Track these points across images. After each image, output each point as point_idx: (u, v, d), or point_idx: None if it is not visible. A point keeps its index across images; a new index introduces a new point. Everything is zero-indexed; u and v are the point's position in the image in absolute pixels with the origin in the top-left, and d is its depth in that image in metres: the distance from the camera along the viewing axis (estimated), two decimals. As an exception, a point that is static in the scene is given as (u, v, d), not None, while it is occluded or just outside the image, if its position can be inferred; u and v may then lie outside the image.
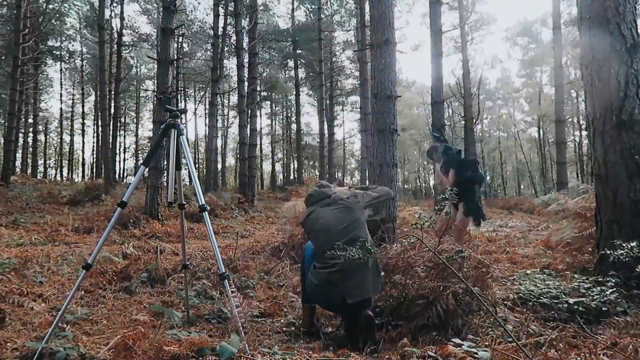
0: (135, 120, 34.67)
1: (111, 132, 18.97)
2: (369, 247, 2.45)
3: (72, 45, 27.86)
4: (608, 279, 3.17)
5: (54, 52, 25.96)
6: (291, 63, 29.18)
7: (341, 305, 2.67)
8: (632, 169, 3.41)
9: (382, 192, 3.31)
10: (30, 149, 25.13)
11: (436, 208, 2.91)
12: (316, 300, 2.81)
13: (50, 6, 20.00)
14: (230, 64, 25.50)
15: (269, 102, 34.98)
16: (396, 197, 5.58)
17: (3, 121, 26.26)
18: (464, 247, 3.21)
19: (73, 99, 33.17)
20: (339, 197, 2.99)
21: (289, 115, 35.99)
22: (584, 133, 23.37)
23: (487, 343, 2.30)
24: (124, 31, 21.52)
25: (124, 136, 34.01)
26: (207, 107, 24.20)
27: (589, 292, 3.01)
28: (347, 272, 2.59)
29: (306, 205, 3.15)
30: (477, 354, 2.00)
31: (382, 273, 2.87)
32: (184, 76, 28.21)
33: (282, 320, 3.04)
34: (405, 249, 3.04)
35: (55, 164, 35.35)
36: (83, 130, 31.96)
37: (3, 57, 19.50)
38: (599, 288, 3.04)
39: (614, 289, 3.00)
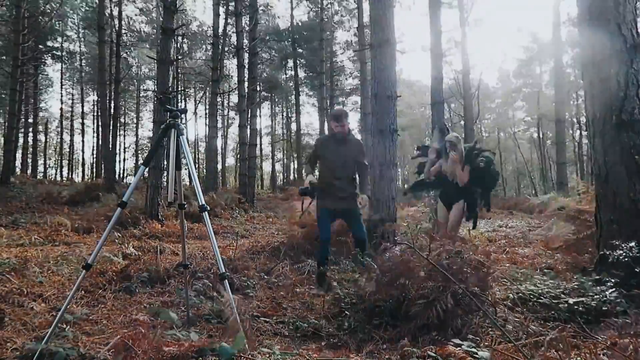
0: (135, 120, 34.66)
1: (111, 132, 18.94)
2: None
3: (72, 46, 27.88)
4: (608, 279, 3.17)
5: (54, 52, 25.96)
6: (291, 63, 29.19)
7: (336, 210, 4.01)
8: (632, 169, 3.41)
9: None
10: (30, 149, 25.13)
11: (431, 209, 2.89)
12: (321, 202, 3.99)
13: (50, 6, 20.00)
14: (231, 64, 25.53)
15: (269, 102, 34.98)
16: (396, 197, 5.58)
17: (3, 121, 26.26)
18: (463, 248, 3.20)
19: (73, 99, 33.16)
20: (349, 140, 4.03)
21: (289, 115, 35.99)
22: (584, 133, 23.38)
23: (487, 343, 2.30)
24: (123, 31, 21.52)
25: (124, 136, 34.02)
26: (207, 107, 24.22)
27: (589, 292, 3.01)
28: (338, 194, 3.95)
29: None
30: (477, 354, 2.00)
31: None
32: (184, 76, 28.20)
33: (282, 320, 3.04)
34: (402, 254, 3.04)
35: (55, 164, 35.35)
36: (83, 130, 31.93)
37: (3, 57, 19.50)
38: (599, 288, 3.04)
39: (614, 289, 2.99)
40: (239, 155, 16.02)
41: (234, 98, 26.48)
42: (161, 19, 9.46)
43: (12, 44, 15.44)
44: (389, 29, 5.12)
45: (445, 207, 4.96)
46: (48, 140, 33.77)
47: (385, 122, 4.88)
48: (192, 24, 26.01)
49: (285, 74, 32.58)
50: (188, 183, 15.91)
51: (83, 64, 29.62)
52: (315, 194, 4.07)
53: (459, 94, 17.43)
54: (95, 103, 29.56)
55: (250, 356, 1.96)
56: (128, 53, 26.67)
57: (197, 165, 28.90)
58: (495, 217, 11.86)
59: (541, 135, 29.60)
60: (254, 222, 10.19)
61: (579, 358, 1.97)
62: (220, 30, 17.73)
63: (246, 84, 14.50)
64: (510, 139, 33.64)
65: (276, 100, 35.21)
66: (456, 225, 4.86)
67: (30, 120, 25.35)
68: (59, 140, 33.12)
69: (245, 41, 14.95)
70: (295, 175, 29.52)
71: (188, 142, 2.77)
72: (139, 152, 32.15)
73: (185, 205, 2.81)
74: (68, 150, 33.32)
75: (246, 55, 15.02)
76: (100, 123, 19.15)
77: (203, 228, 7.36)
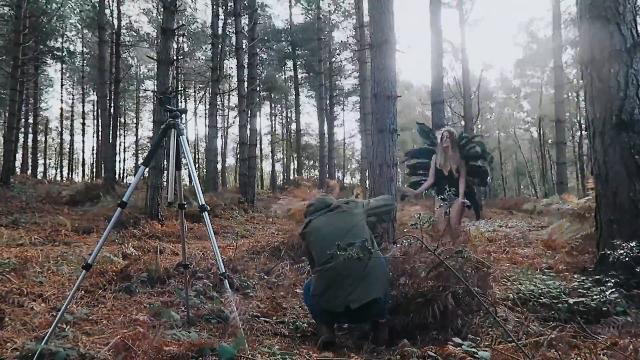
0: (135, 120, 34.69)
1: (111, 132, 18.95)
2: (366, 245, 2.39)
3: (72, 46, 27.91)
4: (608, 279, 3.17)
5: (54, 52, 25.97)
6: (290, 63, 29.20)
7: (347, 315, 2.52)
8: (632, 169, 3.41)
9: (385, 200, 3.23)
10: (30, 149, 25.14)
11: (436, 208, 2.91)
12: (321, 317, 2.63)
13: (50, 6, 20.02)
14: (230, 64, 25.55)
15: (268, 102, 35.01)
16: (396, 196, 5.58)
17: (3, 121, 26.27)
18: (463, 247, 3.20)
19: (73, 99, 33.21)
20: (337, 204, 2.89)
21: (289, 115, 36.02)
22: (584, 133, 23.37)
23: (487, 343, 2.30)
24: (123, 31, 21.53)
25: (124, 136, 34.05)
26: (207, 107, 24.22)
27: (589, 292, 3.01)
28: (345, 276, 2.47)
29: (305, 216, 3.02)
30: (477, 354, 2.00)
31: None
32: (184, 76, 28.21)
33: (282, 320, 3.04)
34: (405, 250, 3.04)
35: (55, 164, 35.39)
36: (83, 130, 31.96)
37: (3, 57, 19.50)
38: (599, 288, 3.04)
39: (614, 289, 2.99)
40: (239, 155, 16.02)
41: (234, 98, 26.50)
42: (161, 19, 9.46)
43: (12, 44, 15.44)
44: (389, 29, 5.10)
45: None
46: (48, 140, 33.80)
47: (385, 122, 4.86)
48: (192, 24, 26.03)
49: (285, 74, 32.59)
50: (188, 183, 15.90)
51: (83, 64, 29.63)
52: None
53: (459, 94, 17.42)
54: (95, 103, 29.58)
55: (250, 356, 1.96)
56: (128, 53, 26.69)
57: (197, 165, 28.91)
58: (495, 217, 11.87)
59: (541, 135, 29.58)
60: (254, 222, 10.19)
61: (579, 358, 1.97)
62: (220, 30, 17.73)
63: (246, 84, 14.49)
64: (511, 139, 33.64)
65: (276, 100, 35.22)
66: (458, 220, 4.89)
67: (30, 121, 25.36)
68: (59, 140, 33.15)
69: (245, 41, 14.95)
70: (295, 175, 29.52)
71: (188, 142, 2.77)
72: (139, 152, 32.18)
73: (185, 205, 2.80)
74: (68, 150, 33.35)
75: (245, 56, 15.00)
76: (100, 123, 19.14)
77: (203, 228, 7.36)
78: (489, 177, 5.23)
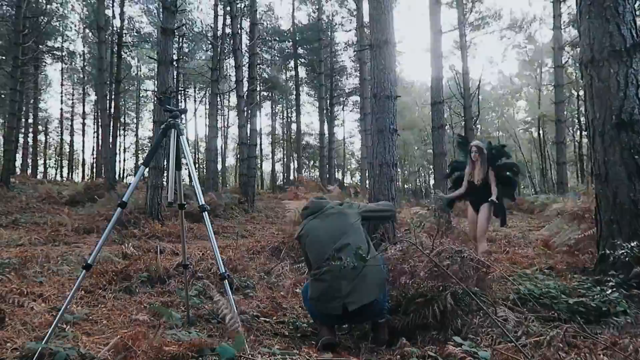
0: (135, 120, 34.72)
1: (111, 132, 18.93)
2: (360, 253, 2.32)
3: (72, 46, 27.94)
4: (608, 279, 3.17)
5: (54, 52, 25.98)
6: (291, 63, 29.23)
7: (345, 317, 2.53)
8: (632, 169, 3.41)
9: (385, 205, 3.22)
10: (30, 149, 25.14)
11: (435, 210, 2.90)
12: (319, 318, 2.63)
13: (50, 6, 20.04)
14: (231, 64, 25.53)
15: (269, 102, 35.04)
16: (397, 197, 5.58)
17: (3, 121, 26.28)
18: (464, 248, 3.20)
19: (73, 99, 33.22)
20: (331, 206, 2.87)
21: (289, 115, 36.04)
22: (584, 133, 23.36)
23: (487, 343, 2.30)
24: (124, 31, 21.51)
25: (124, 136, 34.06)
26: (207, 107, 24.22)
27: (589, 292, 3.01)
28: (342, 279, 2.46)
29: (302, 218, 3.02)
30: (477, 353, 2.00)
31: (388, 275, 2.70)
32: (184, 76, 28.22)
33: (282, 320, 3.04)
34: (404, 252, 3.04)
35: (55, 164, 35.40)
36: (83, 130, 32.04)
37: (3, 57, 19.51)
38: (599, 288, 3.04)
39: (614, 289, 2.99)
40: (239, 155, 16.02)
41: (234, 98, 26.48)
42: (161, 19, 9.45)
43: (12, 44, 15.44)
44: (389, 29, 5.10)
45: (474, 210, 5.10)
46: (48, 140, 33.82)
47: (385, 122, 4.87)
48: (195, 24, 26.04)
49: (286, 74, 32.62)
50: (188, 183, 15.89)
51: (84, 64, 29.64)
52: None
53: (459, 94, 17.40)
54: (95, 103, 29.59)
55: (250, 356, 1.96)
56: (128, 53, 26.69)
57: (197, 165, 28.91)
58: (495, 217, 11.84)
59: (542, 135, 29.57)
60: (254, 222, 10.18)
61: (579, 358, 1.97)
62: (220, 30, 17.73)
63: (246, 84, 14.48)
64: (511, 138, 33.61)
65: (276, 100, 35.25)
66: (485, 225, 4.99)
67: (30, 120, 25.37)
68: (59, 140, 33.18)
69: (246, 41, 14.94)
70: (295, 175, 29.52)
71: (188, 142, 2.77)
72: (139, 152, 32.22)
73: (186, 205, 2.80)
74: (68, 150, 33.36)
75: (246, 56, 14.99)
76: (100, 123, 19.14)
77: (203, 228, 7.36)
78: (515, 190, 5.35)
